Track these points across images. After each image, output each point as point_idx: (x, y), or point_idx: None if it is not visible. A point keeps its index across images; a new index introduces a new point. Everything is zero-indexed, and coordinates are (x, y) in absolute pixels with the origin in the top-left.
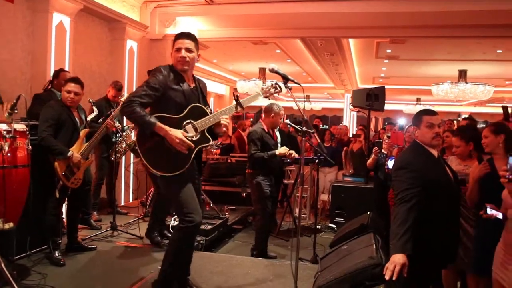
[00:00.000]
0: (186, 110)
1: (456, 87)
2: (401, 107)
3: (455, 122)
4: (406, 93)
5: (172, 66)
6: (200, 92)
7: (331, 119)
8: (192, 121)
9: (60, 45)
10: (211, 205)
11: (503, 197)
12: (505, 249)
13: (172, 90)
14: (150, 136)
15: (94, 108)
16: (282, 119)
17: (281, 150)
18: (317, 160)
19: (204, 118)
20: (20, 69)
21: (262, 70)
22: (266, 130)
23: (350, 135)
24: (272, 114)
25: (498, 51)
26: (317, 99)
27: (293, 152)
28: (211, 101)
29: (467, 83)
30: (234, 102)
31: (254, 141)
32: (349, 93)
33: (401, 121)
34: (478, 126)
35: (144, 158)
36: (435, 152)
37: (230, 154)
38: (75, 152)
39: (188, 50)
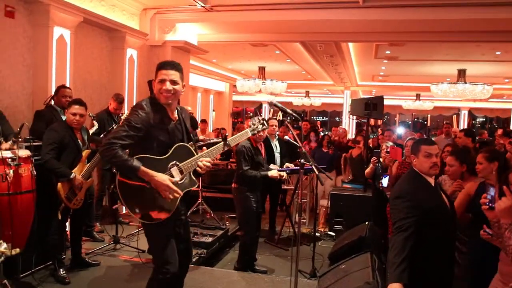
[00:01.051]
0: (171, 151)
1: (455, 87)
2: (401, 103)
3: (454, 116)
4: (405, 90)
5: (154, 99)
6: (183, 125)
7: (331, 114)
8: (178, 163)
9: (61, 58)
10: (212, 214)
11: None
12: (502, 280)
13: (156, 129)
14: (131, 179)
15: (95, 122)
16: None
17: (273, 173)
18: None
19: (190, 160)
20: (21, 83)
21: (261, 69)
22: (254, 145)
23: (350, 136)
24: None
25: (497, 52)
26: (317, 95)
27: (284, 174)
28: (210, 98)
29: (466, 83)
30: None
31: (244, 157)
32: (349, 90)
33: (400, 130)
34: (477, 120)
35: (124, 202)
36: (432, 181)
37: (231, 159)
38: (77, 173)
39: (173, 82)
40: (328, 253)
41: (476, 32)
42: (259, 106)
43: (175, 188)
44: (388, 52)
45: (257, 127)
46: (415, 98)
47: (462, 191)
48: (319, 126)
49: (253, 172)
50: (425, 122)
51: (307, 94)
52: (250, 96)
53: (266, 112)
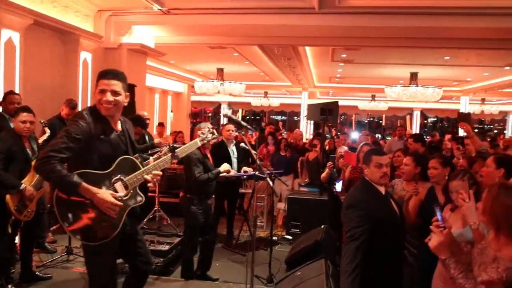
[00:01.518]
0: (115, 164)
1: (408, 89)
2: (357, 103)
3: (407, 116)
4: (361, 91)
5: (96, 109)
6: (128, 136)
7: (289, 114)
8: (122, 177)
9: (10, 63)
10: (168, 221)
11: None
12: (442, 281)
13: (97, 140)
14: (71, 196)
15: (47, 129)
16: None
17: (224, 167)
18: (272, 176)
19: (136, 174)
20: None
21: (220, 71)
22: (203, 152)
23: (306, 139)
24: None
25: (446, 57)
26: (275, 95)
27: (232, 170)
28: (168, 99)
29: (418, 86)
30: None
31: (196, 164)
32: (306, 91)
33: (354, 135)
34: (429, 120)
35: (62, 221)
36: (382, 190)
37: None
38: (27, 184)
39: (115, 93)
40: (285, 257)
41: (426, 39)
42: (217, 106)
43: (119, 203)
44: (344, 55)
45: (206, 136)
46: (370, 99)
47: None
48: (281, 127)
49: (205, 175)
50: (381, 122)
51: (265, 94)
52: (209, 96)
53: (224, 113)
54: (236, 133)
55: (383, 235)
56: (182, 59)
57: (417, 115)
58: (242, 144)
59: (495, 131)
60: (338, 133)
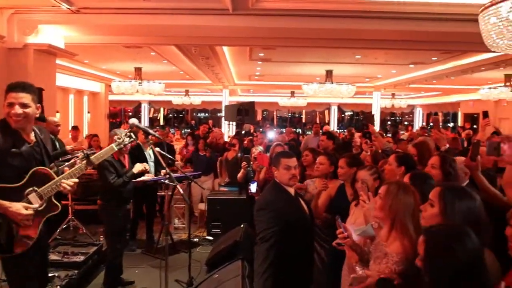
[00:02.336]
0: (28, 176)
1: (324, 86)
2: (277, 100)
3: (326, 111)
4: (281, 88)
5: (5, 122)
6: (43, 147)
7: (212, 111)
8: (36, 188)
9: None
10: (84, 230)
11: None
12: (349, 271)
13: (8, 154)
14: None
15: None
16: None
17: (138, 167)
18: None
19: (50, 183)
20: None
21: (137, 70)
22: (116, 158)
23: (228, 137)
24: None
25: (357, 56)
26: (197, 93)
27: (147, 167)
28: (84, 99)
29: (332, 83)
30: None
31: (109, 170)
32: (227, 89)
33: (271, 135)
34: (346, 114)
35: None
36: (292, 191)
37: None
38: None
39: (24, 105)
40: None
41: (338, 40)
42: (138, 105)
43: (31, 213)
44: (261, 54)
45: (123, 141)
46: (290, 95)
47: (324, 191)
48: (211, 125)
49: (120, 179)
50: (301, 116)
51: (187, 93)
52: (128, 96)
53: (145, 112)
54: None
55: (294, 236)
56: (97, 59)
57: (334, 110)
58: (157, 149)
59: (405, 123)
60: (256, 131)
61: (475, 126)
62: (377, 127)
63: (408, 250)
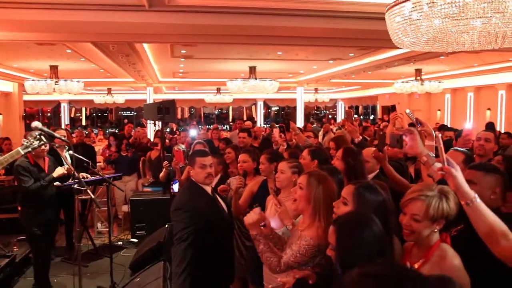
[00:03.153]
0: None
1: (248, 83)
2: (203, 96)
3: (253, 107)
4: (206, 84)
5: None
6: None
7: (137, 109)
8: None
9: None
10: None
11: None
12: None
13: None
14: None
15: None
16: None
17: (58, 171)
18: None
19: None
20: None
21: (53, 68)
22: (32, 162)
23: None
24: None
25: (279, 53)
26: (120, 92)
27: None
28: None
29: (256, 79)
30: None
31: (21, 173)
32: (151, 87)
33: (193, 133)
34: (272, 109)
35: None
36: (209, 189)
37: None
38: None
39: None
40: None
41: (259, 36)
42: (57, 105)
43: None
44: (183, 51)
45: (31, 144)
46: (215, 92)
47: (247, 188)
48: (145, 123)
49: (37, 183)
50: (229, 113)
51: (109, 91)
52: (46, 95)
53: (66, 112)
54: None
55: (211, 234)
56: (6, 56)
57: (260, 105)
58: (71, 152)
59: (330, 116)
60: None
61: None
62: (301, 122)
63: (322, 237)
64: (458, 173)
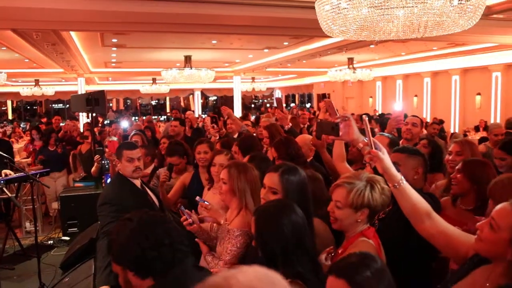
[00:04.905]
0: None
1: (183, 72)
2: (139, 87)
3: (190, 97)
4: (142, 75)
5: None
6: None
7: (68, 102)
8: None
9: None
10: None
11: None
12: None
13: None
14: None
15: None
16: None
17: None
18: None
19: None
20: None
21: None
22: None
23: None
24: None
25: (213, 41)
26: (50, 83)
27: None
28: None
29: (191, 68)
30: None
31: None
32: (83, 77)
33: (124, 124)
34: (210, 99)
35: None
36: (138, 183)
37: None
38: None
39: None
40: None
41: (193, 25)
42: None
43: None
44: (115, 40)
45: None
46: (151, 82)
47: (178, 180)
48: (78, 116)
49: None
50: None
51: (37, 83)
52: None
53: None
54: None
55: None
56: None
57: (198, 95)
58: None
59: (268, 105)
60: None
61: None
62: (239, 111)
63: (249, 225)
64: (385, 156)
